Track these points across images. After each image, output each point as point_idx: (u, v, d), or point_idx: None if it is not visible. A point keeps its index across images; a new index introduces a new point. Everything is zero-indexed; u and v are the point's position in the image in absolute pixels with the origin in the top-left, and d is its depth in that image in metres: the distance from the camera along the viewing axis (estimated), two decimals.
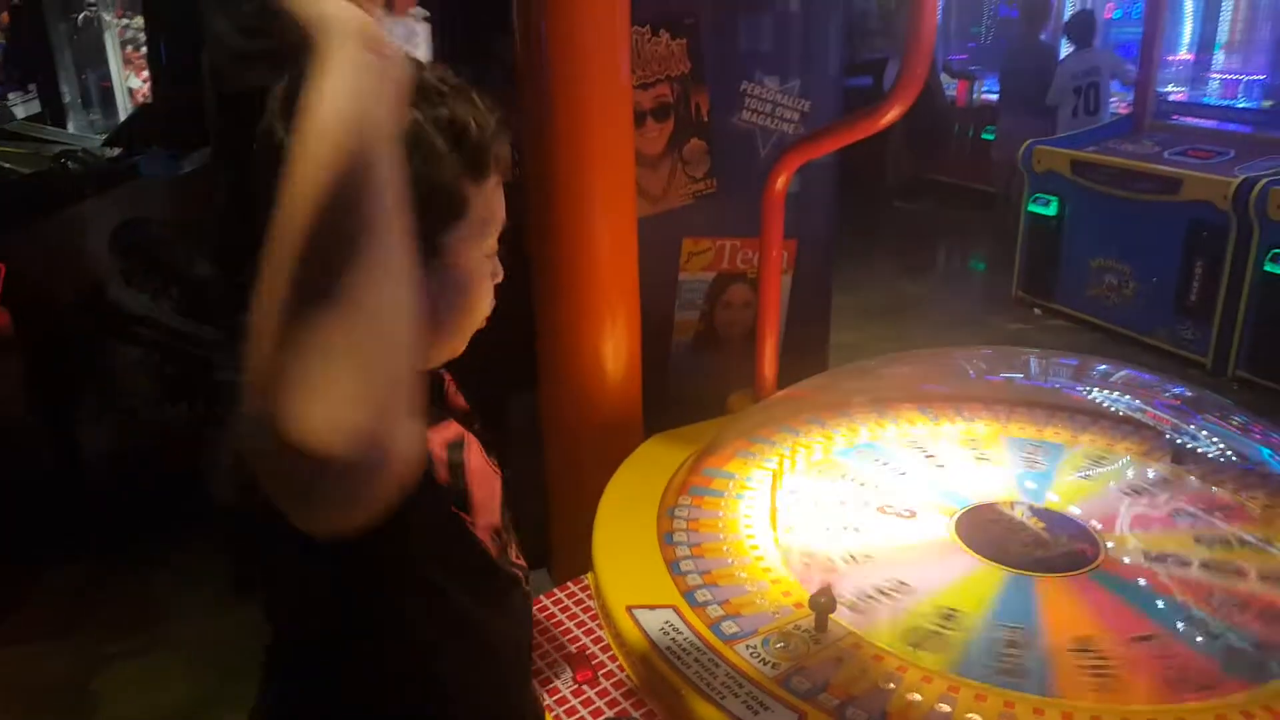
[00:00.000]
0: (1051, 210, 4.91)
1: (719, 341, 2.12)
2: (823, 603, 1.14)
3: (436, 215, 0.82)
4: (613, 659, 1.13)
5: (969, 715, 0.99)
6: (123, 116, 5.35)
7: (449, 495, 0.86)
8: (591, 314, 1.67)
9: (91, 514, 2.76)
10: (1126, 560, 1.29)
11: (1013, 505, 1.44)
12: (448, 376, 1.02)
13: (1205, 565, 1.27)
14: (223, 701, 2.09)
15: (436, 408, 0.94)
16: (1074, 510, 1.42)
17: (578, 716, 1.04)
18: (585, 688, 1.08)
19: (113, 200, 3.28)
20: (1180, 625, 1.16)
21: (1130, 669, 1.09)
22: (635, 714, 1.03)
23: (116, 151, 4.00)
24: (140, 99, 5.51)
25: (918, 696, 1.02)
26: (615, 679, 1.10)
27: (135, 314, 3.07)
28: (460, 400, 1.02)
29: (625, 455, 1.58)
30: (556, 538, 1.83)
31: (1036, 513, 1.41)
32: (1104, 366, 1.84)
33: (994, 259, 5.90)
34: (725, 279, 2.08)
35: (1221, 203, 3.96)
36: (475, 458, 0.94)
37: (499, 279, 0.92)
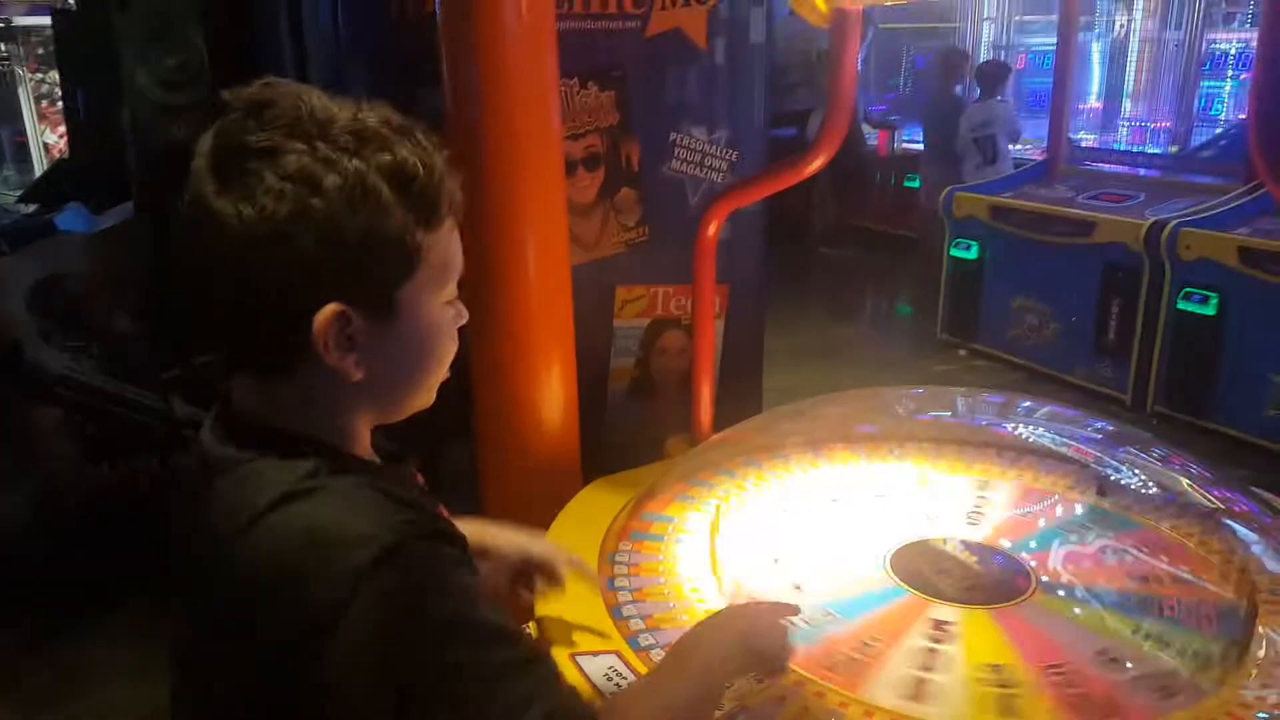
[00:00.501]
0: (972, 254, 5.10)
1: (655, 387, 2.15)
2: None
3: (389, 270, 0.77)
4: None
5: None
6: (38, 172, 5.23)
7: None
8: (527, 360, 1.67)
9: (14, 579, 2.64)
10: (1059, 594, 1.32)
11: (945, 541, 1.47)
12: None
13: (1129, 599, 1.30)
14: None
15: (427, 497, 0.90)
16: (1005, 544, 1.46)
17: None
18: None
19: (29, 257, 3.19)
20: (1096, 655, 1.18)
21: (1036, 695, 1.12)
22: None
23: (32, 208, 3.91)
24: (56, 154, 5.40)
25: None
26: None
27: (55, 373, 2.97)
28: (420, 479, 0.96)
29: (564, 502, 1.57)
30: None
31: (969, 547, 1.45)
32: (1028, 403, 1.90)
33: (919, 302, 6.09)
34: (659, 325, 2.11)
35: (1134, 244, 4.16)
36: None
37: (463, 321, 0.87)
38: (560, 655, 1.14)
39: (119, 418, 2.97)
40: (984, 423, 1.85)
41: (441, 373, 0.86)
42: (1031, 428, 1.78)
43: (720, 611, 1.06)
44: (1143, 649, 1.20)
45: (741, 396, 2.21)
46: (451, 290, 0.84)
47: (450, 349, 0.85)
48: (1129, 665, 1.17)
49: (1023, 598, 1.31)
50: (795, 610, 1.02)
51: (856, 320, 6.16)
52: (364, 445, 0.85)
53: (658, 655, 1.17)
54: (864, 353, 5.44)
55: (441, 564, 0.75)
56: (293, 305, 0.73)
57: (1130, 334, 4.26)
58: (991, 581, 1.35)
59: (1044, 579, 1.35)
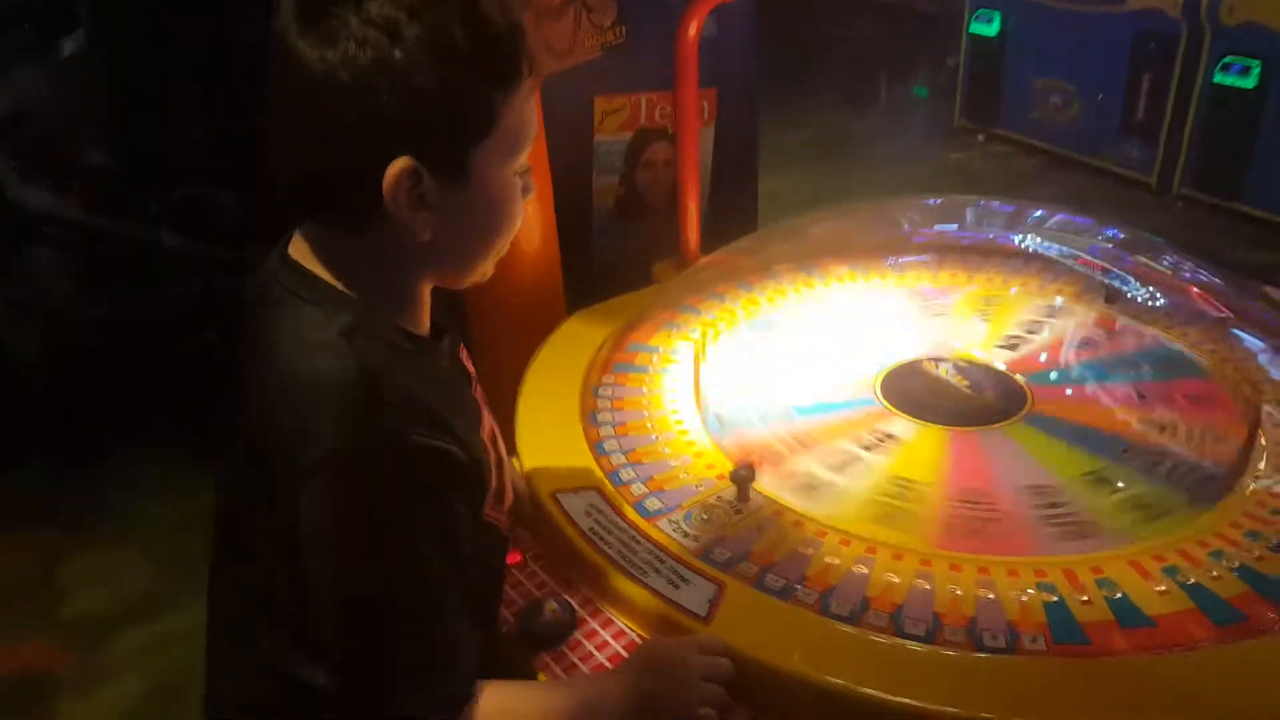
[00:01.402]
0: (993, 29, 4.76)
1: (643, 205, 2.05)
2: (743, 475, 1.14)
3: (464, 129, 0.74)
4: (540, 542, 1.13)
5: (887, 575, 1.00)
6: None
7: (487, 496, 0.85)
8: None
9: (29, 416, 2.71)
10: (1047, 414, 1.29)
11: (938, 363, 1.43)
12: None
13: (1131, 417, 1.27)
14: (186, 589, 2.11)
15: (462, 376, 0.92)
16: (1001, 363, 1.41)
17: (507, 599, 1.04)
18: (515, 571, 1.08)
19: None
20: (1082, 478, 1.16)
21: (924, 514, 1.12)
22: (564, 596, 1.03)
23: None
24: None
25: (835, 560, 1.03)
26: (543, 562, 1.10)
27: (39, 212, 2.90)
28: (469, 364, 0.97)
29: (548, 334, 1.54)
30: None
31: (962, 368, 1.41)
32: (1038, 212, 1.80)
33: (936, 86, 5.76)
34: (644, 136, 1.98)
35: (1172, 9, 3.84)
36: (504, 450, 0.94)
37: (530, 194, 0.84)
38: (541, 493, 1.14)
39: (109, 252, 2.94)
40: (991, 236, 1.76)
41: (505, 243, 0.84)
42: (1039, 239, 1.69)
43: (628, 662, 0.94)
44: (1079, 491, 1.17)
45: (735, 211, 2.11)
46: (523, 160, 0.81)
47: (516, 220, 0.83)
48: (1056, 504, 1.14)
49: (1011, 419, 1.28)
50: (718, 647, 0.90)
51: (868, 107, 5.84)
52: (422, 308, 0.85)
53: (638, 489, 1.17)
54: (875, 143, 5.21)
55: (399, 488, 0.74)
56: (365, 157, 0.72)
57: (1160, 112, 4.01)
58: (976, 405, 1.32)
59: (1033, 409, 1.32)
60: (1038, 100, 4.59)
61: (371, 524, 0.74)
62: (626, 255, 2.00)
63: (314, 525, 0.73)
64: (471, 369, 0.97)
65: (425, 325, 0.86)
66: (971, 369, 1.41)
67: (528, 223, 1.61)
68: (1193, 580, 0.98)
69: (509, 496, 0.93)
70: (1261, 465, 1.16)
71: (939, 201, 1.93)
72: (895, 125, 5.56)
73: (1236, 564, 1.00)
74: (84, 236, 2.95)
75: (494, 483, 0.87)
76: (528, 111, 0.79)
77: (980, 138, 4.99)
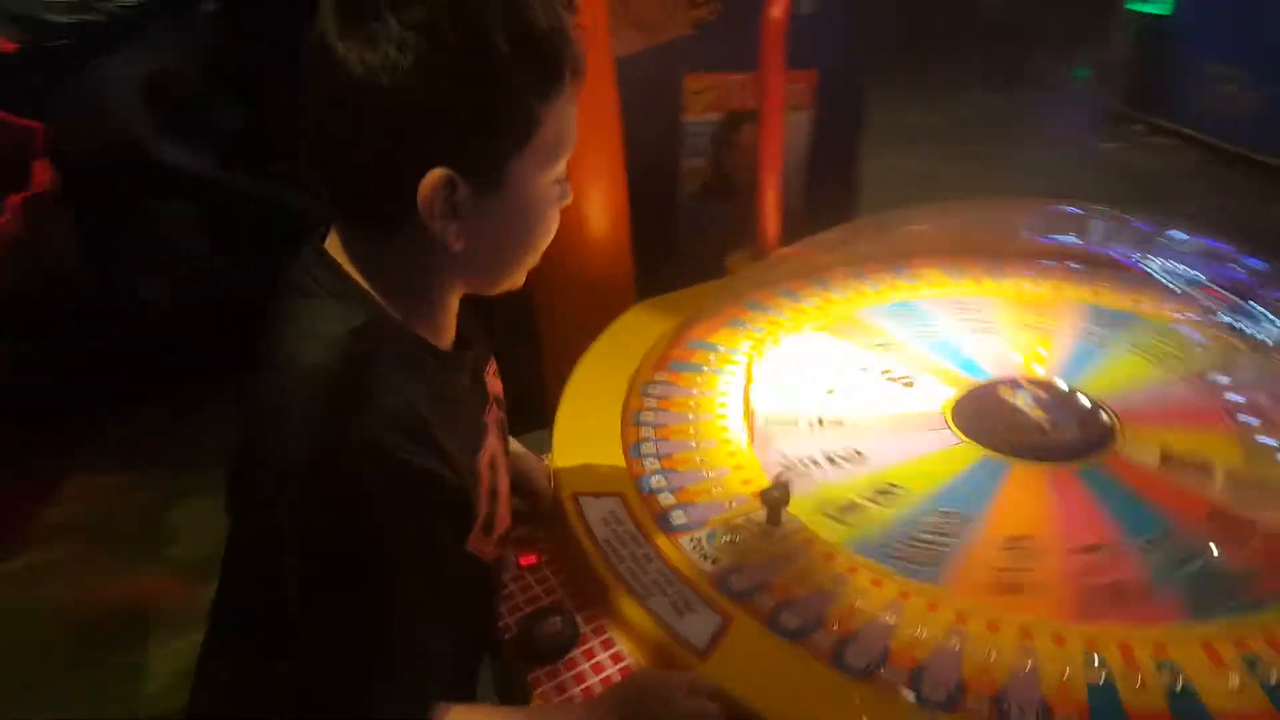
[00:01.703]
0: (1164, 6, 4.34)
1: (732, 190, 1.96)
2: (775, 496, 1.06)
3: (501, 138, 0.73)
4: (559, 546, 1.09)
5: (915, 627, 0.91)
6: None
7: (474, 525, 0.84)
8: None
9: (155, 363, 2.87)
10: (1134, 459, 1.14)
11: (1023, 384, 1.29)
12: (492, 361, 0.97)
13: (1231, 478, 1.09)
14: None
15: (478, 396, 0.90)
16: (1102, 395, 1.26)
17: (512, 604, 1.00)
18: (527, 574, 1.05)
19: (138, 51, 3.20)
20: (1147, 541, 1.01)
21: (1051, 576, 0.98)
22: (569, 609, 0.99)
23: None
24: None
25: (861, 603, 0.94)
26: (556, 567, 1.06)
27: (177, 168, 3.06)
28: (497, 385, 0.96)
29: (615, 318, 1.48)
30: (552, 400, 1.77)
31: (1040, 396, 1.26)
32: (1179, 234, 1.60)
33: (1099, 67, 5.33)
34: (735, 119, 1.88)
35: None
36: (503, 478, 0.92)
37: (567, 201, 0.82)
38: (565, 493, 1.10)
39: (241, 211, 3.07)
40: (1111, 253, 1.58)
41: (539, 252, 0.83)
42: (1166, 261, 1.51)
43: (607, 694, 0.86)
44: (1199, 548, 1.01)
45: (832, 203, 1.99)
46: (561, 169, 0.79)
47: (551, 229, 0.82)
48: (1180, 563, 0.98)
49: (1086, 460, 1.14)
50: (710, 690, 0.83)
51: (1018, 88, 5.46)
52: (448, 318, 0.84)
53: (666, 499, 1.11)
54: (1021, 127, 4.87)
55: (373, 500, 0.72)
56: (400, 165, 0.71)
57: None
58: (1061, 436, 1.18)
59: (1124, 438, 1.17)
60: (1206, 87, 4.17)
61: (344, 530, 0.72)
62: (711, 242, 1.92)
63: (290, 524, 0.71)
64: (497, 389, 0.96)
65: (449, 336, 0.85)
66: (1062, 396, 1.26)
67: (597, 204, 1.57)
68: (1277, 678, 0.84)
69: (500, 527, 0.91)
70: None
71: (1062, 208, 1.75)
72: (1045, 108, 5.19)
73: None
74: (218, 194, 3.09)
75: (483, 510, 0.85)
76: (568, 119, 0.77)
77: (1138, 126, 4.59)
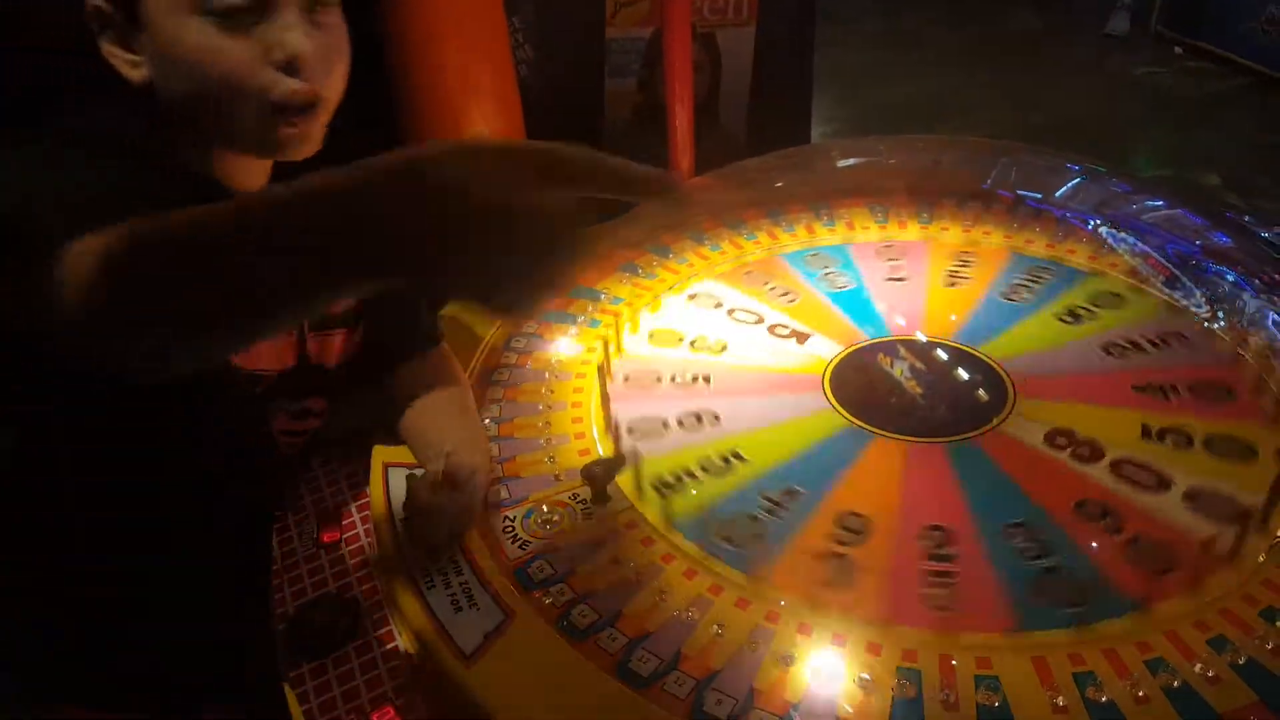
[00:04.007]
0: None
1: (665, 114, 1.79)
2: (597, 471, 0.95)
3: None
4: (365, 522, 0.99)
5: (714, 626, 0.80)
6: None
7: None
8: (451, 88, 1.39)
9: None
10: (1017, 436, 0.99)
11: (901, 351, 1.14)
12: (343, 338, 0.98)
13: (1120, 465, 0.94)
14: None
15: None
16: (1009, 360, 1.11)
17: (298, 587, 0.91)
18: (323, 551, 0.95)
19: None
20: (1002, 529, 0.87)
21: (879, 562, 0.85)
22: (351, 596, 0.89)
23: None
24: None
25: (663, 593, 0.83)
26: (357, 545, 0.96)
27: None
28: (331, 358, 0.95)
29: None
30: None
31: (932, 362, 1.11)
32: (1157, 202, 1.42)
33: None
34: None
35: None
36: None
37: (286, 51, 0.75)
38: (376, 462, 1.00)
39: None
40: (1072, 209, 1.40)
41: (230, 99, 0.76)
42: (1117, 227, 1.33)
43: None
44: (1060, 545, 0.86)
45: (780, 133, 1.82)
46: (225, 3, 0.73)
47: (227, 71, 0.75)
48: (1035, 559, 0.84)
49: (962, 436, 1.00)
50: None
51: (1050, 6, 5.10)
52: (226, 163, 0.83)
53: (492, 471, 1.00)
54: (1051, 47, 4.56)
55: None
56: None
57: None
58: (933, 408, 1.04)
59: (1018, 413, 1.02)
60: (1250, 10, 3.82)
61: None
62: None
63: None
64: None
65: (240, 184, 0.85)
66: (932, 368, 1.11)
67: (482, 129, 1.42)
68: (1107, 699, 0.72)
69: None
70: None
71: (1036, 157, 1.57)
72: (1080, 27, 4.83)
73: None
74: None
75: None
76: None
77: (1177, 49, 4.25)
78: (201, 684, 0.91)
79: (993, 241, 1.37)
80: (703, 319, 1.25)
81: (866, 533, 0.88)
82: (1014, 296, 1.24)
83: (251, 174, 0.87)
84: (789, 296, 1.29)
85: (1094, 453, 0.95)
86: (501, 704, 0.74)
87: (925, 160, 1.54)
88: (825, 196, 1.48)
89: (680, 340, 1.21)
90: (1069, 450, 0.96)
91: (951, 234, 1.40)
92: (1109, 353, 1.11)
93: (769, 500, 0.93)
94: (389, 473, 0.99)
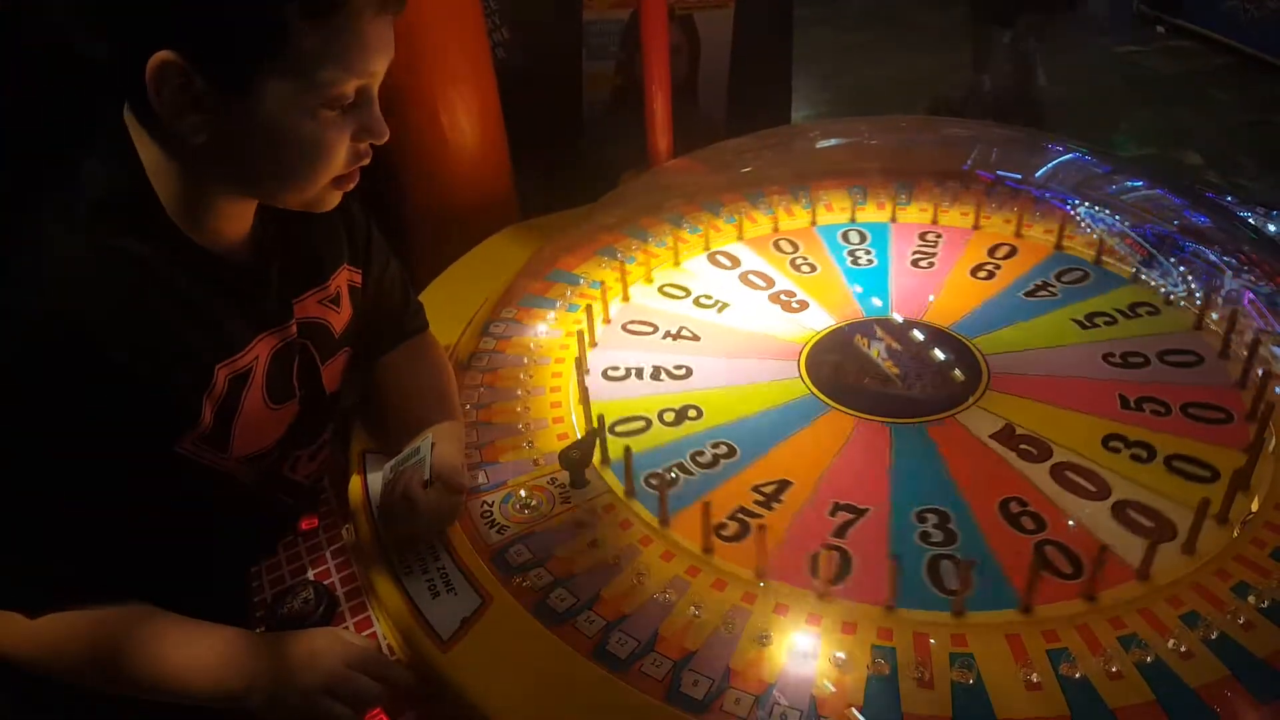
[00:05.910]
0: None
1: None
2: (574, 457, 0.94)
3: (239, 39, 0.68)
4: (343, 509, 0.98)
5: (691, 608, 0.80)
6: None
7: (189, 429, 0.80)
8: (426, 71, 1.38)
9: None
10: (971, 428, 0.99)
11: (879, 332, 1.14)
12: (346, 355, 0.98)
13: (1062, 469, 0.94)
14: None
15: (254, 307, 0.86)
16: (998, 354, 1.10)
17: (276, 574, 0.91)
18: (300, 539, 0.95)
19: None
20: (907, 517, 0.88)
21: (777, 532, 0.86)
22: (328, 582, 0.88)
23: None
24: None
25: (641, 575, 0.84)
26: (335, 532, 0.96)
27: None
28: (325, 312, 0.94)
29: None
30: None
31: (909, 348, 1.11)
32: (1137, 182, 1.41)
33: None
34: None
35: None
36: (254, 399, 0.86)
37: (377, 139, 0.77)
38: (355, 449, 0.99)
39: None
40: (1047, 196, 1.39)
41: (312, 177, 0.77)
42: (1096, 206, 1.32)
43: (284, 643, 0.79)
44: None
45: (761, 112, 1.82)
46: (333, 96, 0.72)
47: (312, 157, 0.75)
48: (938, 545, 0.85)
49: (917, 418, 1.00)
50: (381, 669, 0.78)
51: None
52: (220, 220, 0.81)
53: (470, 455, 0.99)
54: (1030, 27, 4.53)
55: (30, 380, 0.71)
56: (130, 36, 0.68)
57: None
58: (901, 391, 1.04)
59: (976, 402, 1.03)
60: None
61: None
62: (624, 158, 1.77)
63: None
64: (322, 314, 0.93)
65: (228, 238, 0.82)
66: (908, 353, 1.11)
67: (462, 116, 1.42)
68: (1080, 674, 0.72)
69: (245, 449, 0.87)
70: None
71: (1015, 134, 1.57)
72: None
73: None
74: None
75: (206, 419, 0.80)
76: (340, 47, 0.70)
77: (1160, 28, 4.25)
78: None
79: (1034, 234, 1.35)
80: (714, 278, 1.29)
81: (780, 499, 0.91)
82: (1040, 294, 1.22)
83: (244, 219, 0.84)
84: (809, 268, 1.30)
85: (1041, 453, 0.95)
86: (479, 689, 0.74)
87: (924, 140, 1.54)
88: (809, 177, 1.48)
89: (687, 294, 1.25)
90: (1016, 448, 0.96)
91: (975, 220, 1.38)
92: (1108, 361, 1.09)
93: (705, 455, 0.97)
94: (366, 459, 0.98)
